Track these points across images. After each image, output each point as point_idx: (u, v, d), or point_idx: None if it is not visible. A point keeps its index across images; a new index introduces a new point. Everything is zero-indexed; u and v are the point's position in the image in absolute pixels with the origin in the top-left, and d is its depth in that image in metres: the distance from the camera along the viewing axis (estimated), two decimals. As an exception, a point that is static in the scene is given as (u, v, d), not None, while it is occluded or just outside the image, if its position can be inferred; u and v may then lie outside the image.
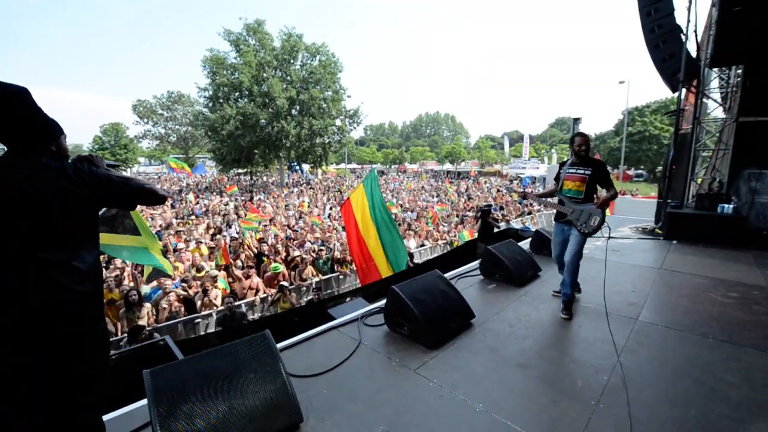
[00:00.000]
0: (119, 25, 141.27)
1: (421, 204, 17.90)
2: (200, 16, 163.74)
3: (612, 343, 2.88)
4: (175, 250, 8.42)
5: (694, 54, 7.28)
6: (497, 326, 3.30)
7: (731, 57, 6.54)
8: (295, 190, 24.43)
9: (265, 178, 33.40)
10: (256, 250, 8.50)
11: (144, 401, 2.04)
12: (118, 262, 7.16)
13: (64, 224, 1.47)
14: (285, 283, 6.87)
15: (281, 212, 14.77)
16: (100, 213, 1.70)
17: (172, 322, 5.71)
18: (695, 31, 7.15)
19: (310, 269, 7.82)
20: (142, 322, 5.34)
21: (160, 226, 11.70)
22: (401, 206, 16.45)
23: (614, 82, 39.44)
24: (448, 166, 50.65)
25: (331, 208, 15.38)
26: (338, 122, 28.46)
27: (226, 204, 16.83)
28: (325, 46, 27.30)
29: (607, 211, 3.55)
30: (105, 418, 1.92)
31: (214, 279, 6.74)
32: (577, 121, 17.01)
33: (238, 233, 10.50)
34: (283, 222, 12.70)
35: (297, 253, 8.30)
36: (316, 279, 7.71)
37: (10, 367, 1.38)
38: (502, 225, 10.19)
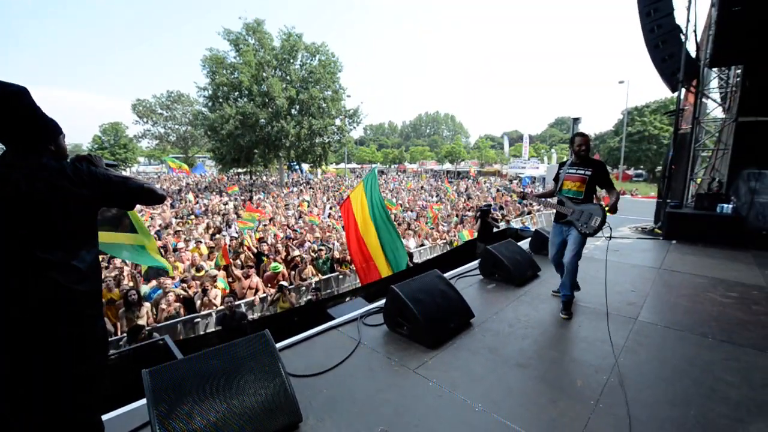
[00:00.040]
0: (119, 25, 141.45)
1: (422, 204, 17.89)
2: (200, 16, 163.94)
3: (611, 343, 2.88)
4: (174, 250, 8.42)
5: (693, 54, 7.29)
6: (496, 326, 3.30)
7: (731, 57, 6.54)
8: (295, 189, 24.43)
9: (264, 178, 33.38)
10: (255, 250, 8.50)
11: (143, 401, 2.04)
12: (117, 261, 7.15)
13: (63, 224, 1.47)
14: (284, 283, 6.87)
15: (281, 212, 14.76)
16: (99, 212, 1.69)
17: (172, 321, 5.71)
18: (695, 31, 7.16)
19: (309, 269, 7.82)
20: (142, 321, 5.34)
21: (160, 225, 11.70)
22: (401, 206, 16.44)
23: (614, 82, 39.43)
24: (447, 166, 50.63)
25: (331, 208, 15.37)
26: (338, 122, 28.42)
27: (226, 204, 16.82)
28: (324, 46, 27.28)
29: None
30: (104, 417, 1.92)
31: (214, 278, 6.74)
32: (576, 120, 17.01)
33: (237, 233, 10.50)
34: (283, 222, 12.70)
35: (297, 252, 8.30)
36: (316, 279, 7.71)
37: (10, 367, 1.38)
38: (502, 225, 10.20)
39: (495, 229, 8.00)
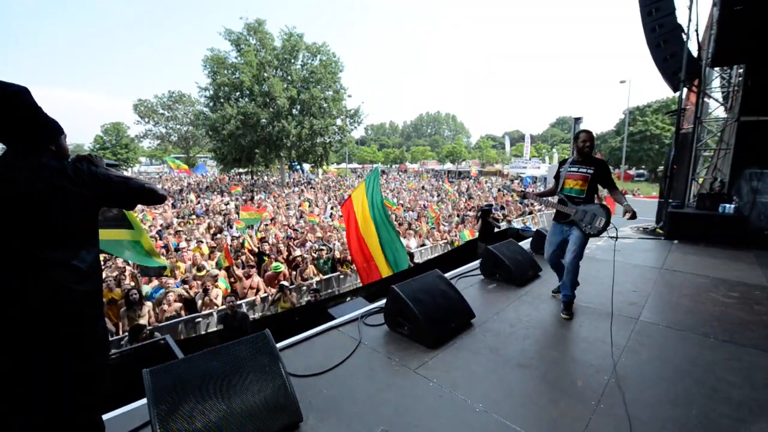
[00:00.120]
0: (119, 25, 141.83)
1: (423, 203, 17.88)
2: (200, 16, 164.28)
3: (612, 343, 2.88)
4: (176, 250, 8.44)
5: (695, 53, 7.26)
6: (497, 326, 3.29)
7: (732, 56, 6.52)
8: (296, 189, 24.45)
9: (266, 178, 33.43)
10: (256, 250, 8.51)
11: (144, 400, 2.04)
12: (119, 261, 7.17)
13: (63, 224, 1.47)
14: (285, 283, 6.87)
15: (282, 212, 14.78)
16: (100, 213, 1.70)
17: (173, 321, 5.72)
18: (696, 31, 7.12)
19: (311, 269, 7.82)
20: (143, 321, 5.35)
21: (161, 225, 11.73)
22: (402, 206, 16.43)
23: (615, 82, 39.38)
24: (449, 166, 50.60)
25: (332, 208, 15.38)
26: (339, 122, 28.45)
27: (227, 203, 16.85)
28: (325, 46, 27.29)
29: None
30: (105, 417, 1.92)
31: (215, 278, 6.75)
32: (578, 120, 16.94)
33: (238, 233, 10.51)
34: (284, 222, 12.72)
35: (298, 252, 8.30)
36: (317, 278, 7.71)
37: (10, 367, 1.38)
38: (503, 225, 10.19)
39: (496, 229, 8.00)
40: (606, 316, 3.33)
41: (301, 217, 13.83)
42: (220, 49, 26.07)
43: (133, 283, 6.44)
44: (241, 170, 29.68)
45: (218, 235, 10.22)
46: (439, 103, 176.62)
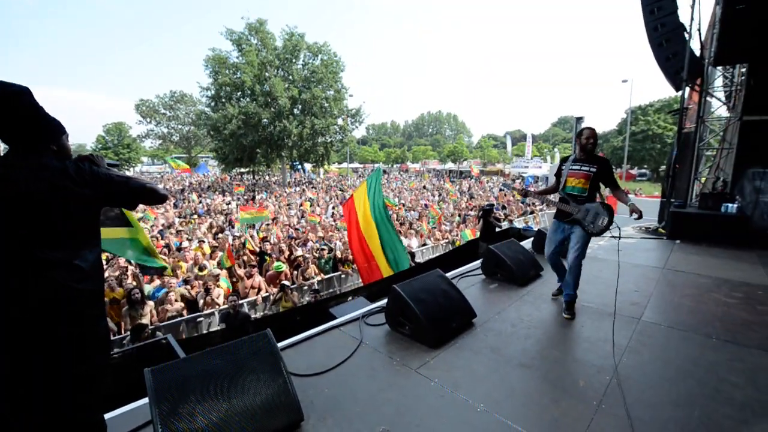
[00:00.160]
0: (119, 25, 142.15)
1: (424, 202, 17.87)
2: (200, 16, 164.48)
3: (614, 343, 2.87)
4: (178, 249, 8.46)
5: (697, 52, 7.23)
6: (499, 326, 3.29)
7: (735, 55, 6.49)
8: (297, 189, 24.47)
9: (267, 178, 33.47)
10: (258, 250, 8.52)
11: (146, 399, 2.05)
12: (121, 261, 7.19)
13: (63, 224, 1.47)
14: (287, 282, 6.88)
15: (283, 211, 14.80)
16: (102, 212, 1.70)
17: (175, 320, 5.73)
18: (699, 30, 7.10)
19: (312, 268, 7.83)
20: (145, 320, 5.36)
21: (163, 225, 11.75)
22: (404, 206, 16.43)
23: (617, 81, 39.48)
24: (450, 166, 50.56)
25: (333, 208, 15.39)
26: (340, 121, 28.48)
27: (228, 203, 16.88)
28: (327, 45, 27.31)
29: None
30: (107, 416, 1.92)
31: (216, 278, 6.76)
32: (580, 120, 16.89)
33: (240, 232, 10.54)
34: (285, 221, 12.73)
35: (300, 252, 8.31)
36: (318, 278, 7.72)
37: (10, 367, 1.38)
38: (505, 224, 10.17)
39: (497, 229, 7.99)
40: (607, 316, 3.32)
41: (302, 216, 13.85)
42: (222, 48, 26.15)
43: (135, 283, 6.46)
44: (242, 170, 29.75)
45: (220, 235, 10.25)
46: (440, 103, 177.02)
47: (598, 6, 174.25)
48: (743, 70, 7.30)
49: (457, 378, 2.50)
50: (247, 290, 6.84)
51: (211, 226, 11.67)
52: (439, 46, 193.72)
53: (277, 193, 22.01)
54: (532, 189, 3.99)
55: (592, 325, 3.27)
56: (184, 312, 5.98)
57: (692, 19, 6.78)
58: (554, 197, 3.74)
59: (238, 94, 25.53)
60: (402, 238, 8.27)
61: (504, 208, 15.35)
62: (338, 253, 8.56)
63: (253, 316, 6.39)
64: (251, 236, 9.37)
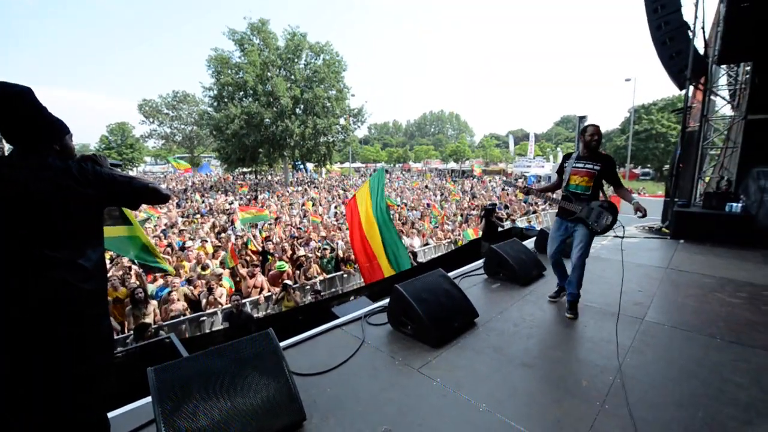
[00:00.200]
0: (119, 25, 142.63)
1: (427, 202, 17.85)
2: (200, 16, 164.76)
3: (617, 343, 2.86)
4: (181, 249, 8.49)
5: (701, 51, 7.19)
6: (501, 325, 3.28)
7: (739, 54, 6.45)
8: (299, 188, 24.51)
9: (269, 177, 33.54)
10: (260, 249, 8.54)
11: (149, 398, 2.05)
12: (125, 260, 7.23)
13: (64, 223, 1.47)
14: (289, 282, 6.89)
15: (286, 211, 14.83)
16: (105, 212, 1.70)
17: (178, 320, 5.75)
18: (703, 28, 7.06)
19: (315, 268, 7.84)
20: (148, 319, 5.39)
21: (166, 224, 11.80)
22: (406, 205, 16.43)
23: (620, 80, 39.17)
24: (452, 165, 50.49)
25: (336, 207, 15.40)
26: (342, 121, 28.49)
27: (231, 203, 16.92)
28: (329, 45, 27.32)
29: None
30: (110, 415, 1.93)
31: (219, 277, 6.78)
32: (582, 119, 16.81)
33: (242, 231, 10.56)
34: (288, 221, 12.76)
35: (302, 251, 8.33)
36: (320, 278, 7.73)
37: (10, 367, 1.39)
38: (507, 224, 10.16)
39: (500, 228, 7.97)
40: (610, 316, 3.30)
41: (304, 216, 13.87)
42: (224, 48, 26.19)
43: (138, 282, 6.49)
44: (245, 170, 29.80)
45: (222, 234, 10.28)
46: (441, 103, 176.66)
47: (601, 5, 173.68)
48: (748, 68, 7.25)
49: (459, 378, 2.49)
50: (249, 290, 6.86)
51: (213, 226, 11.70)
52: (439, 46, 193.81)
53: (279, 192, 22.04)
54: (534, 187, 3.96)
55: (595, 324, 3.26)
56: (187, 311, 6.00)
57: (696, 17, 6.73)
58: (557, 195, 3.69)
59: (241, 94, 25.58)
60: (404, 237, 8.28)
61: (506, 207, 15.33)
62: (340, 253, 8.57)
63: (255, 315, 6.40)
64: (254, 236, 9.39)
